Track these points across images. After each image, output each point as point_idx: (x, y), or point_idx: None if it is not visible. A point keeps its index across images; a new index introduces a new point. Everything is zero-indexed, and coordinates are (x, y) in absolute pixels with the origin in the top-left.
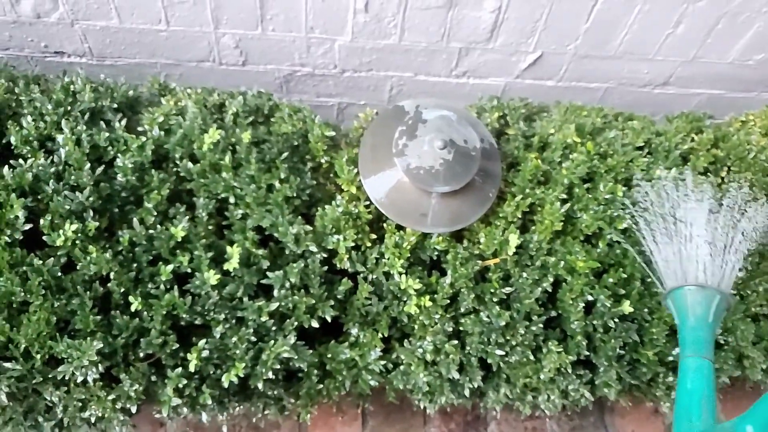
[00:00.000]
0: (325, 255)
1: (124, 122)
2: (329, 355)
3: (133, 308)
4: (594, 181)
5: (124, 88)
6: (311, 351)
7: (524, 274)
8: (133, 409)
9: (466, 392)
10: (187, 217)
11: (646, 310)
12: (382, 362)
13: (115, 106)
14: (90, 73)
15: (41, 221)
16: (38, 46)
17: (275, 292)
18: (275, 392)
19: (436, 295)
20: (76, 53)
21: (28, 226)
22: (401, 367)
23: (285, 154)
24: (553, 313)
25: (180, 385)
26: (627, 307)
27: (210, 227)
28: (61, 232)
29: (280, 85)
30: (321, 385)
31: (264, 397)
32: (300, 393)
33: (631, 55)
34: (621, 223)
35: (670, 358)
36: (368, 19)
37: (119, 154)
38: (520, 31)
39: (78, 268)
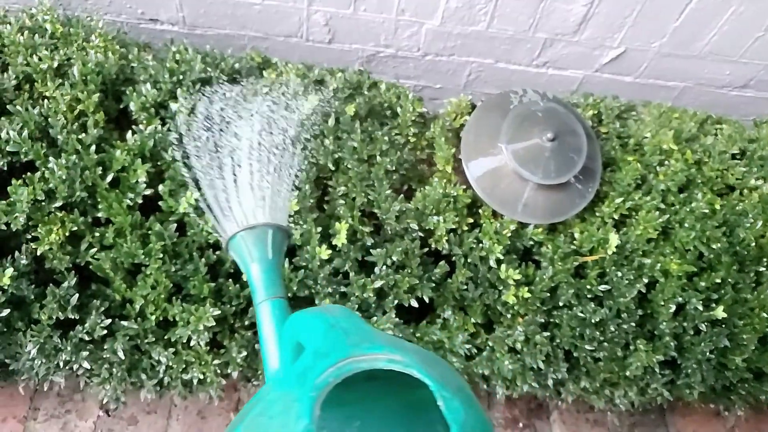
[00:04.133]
0: (422, 235)
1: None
2: (418, 335)
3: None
4: (690, 190)
5: (231, 60)
6: (412, 331)
7: (619, 273)
8: (234, 375)
9: (549, 382)
10: (298, 191)
11: (736, 316)
12: (467, 346)
13: (224, 77)
14: (181, 42)
15: (161, 187)
16: (135, 12)
17: (376, 270)
18: None
19: (533, 287)
20: (170, 21)
21: (148, 191)
22: (484, 353)
23: (386, 128)
24: (639, 312)
25: None
26: (720, 312)
27: (312, 200)
28: (183, 199)
29: (361, 65)
30: None
31: None
32: None
33: (715, 55)
34: (716, 242)
35: (759, 365)
36: (460, 5)
37: None
38: (608, 26)
39: (188, 234)
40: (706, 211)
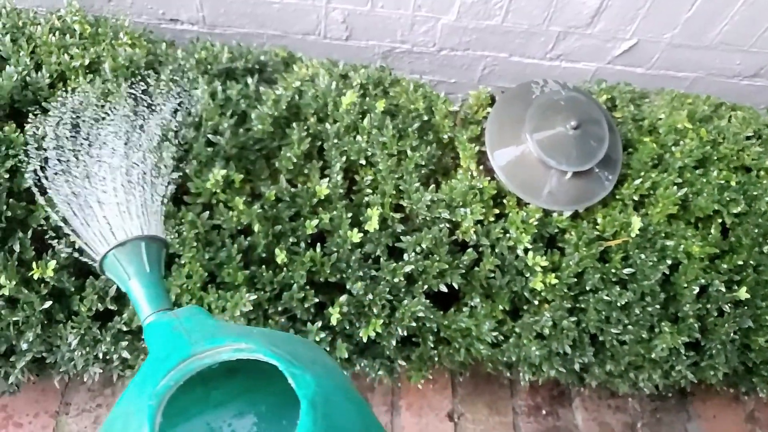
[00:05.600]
0: (449, 226)
1: (256, 77)
2: (446, 323)
3: (279, 260)
4: (706, 167)
5: (257, 53)
6: (442, 314)
7: (643, 256)
8: None
9: (576, 366)
10: (327, 179)
11: (759, 297)
12: (494, 333)
13: (249, 66)
14: (206, 39)
15: (187, 170)
16: (156, 13)
17: (406, 256)
18: (391, 353)
19: (560, 273)
20: (190, 21)
21: (174, 175)
22: (511, 340)
23: (416, 125)
24: (663, 295)
25: (318, 339)
26: (743, 293)
27: (342, 190)
28: (210, 175)
29: (376, 61)
30: (434, 351)
31: (381, 358)
32: (412, 357)
33: (726, 45)
34: (736, 207)
35: None
36: (476, 0)
37: (256, 106)
38: (620, 18)
39: (221, 221)
40: (723, 182)
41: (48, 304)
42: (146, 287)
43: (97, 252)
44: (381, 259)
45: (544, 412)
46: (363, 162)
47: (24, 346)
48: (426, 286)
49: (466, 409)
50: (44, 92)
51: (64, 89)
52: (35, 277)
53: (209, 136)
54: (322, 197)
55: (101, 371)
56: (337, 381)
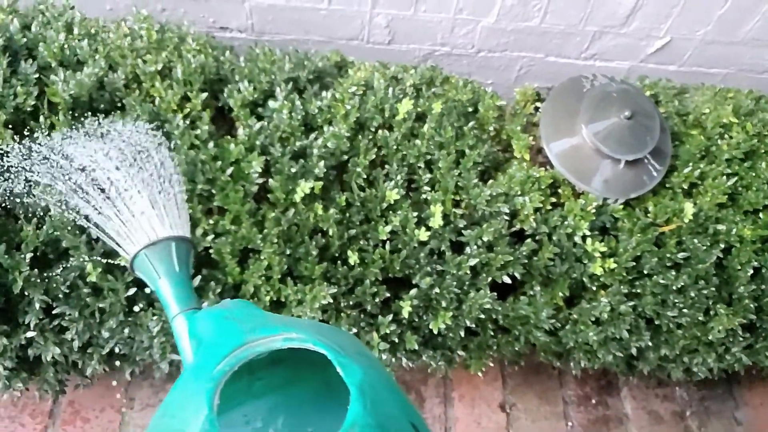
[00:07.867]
0: (507, 218)
1: (331, 91)
2: (505, 312)
3: (351, 261)
4: (753, 160)
5: (316, 59)
6: (506, 304)
7: (696, 241)
8: None
9: (633, 350)
10: (393, 182)
11: None
12: (552, 321)
13: (311, 76)
14: (264, 45)
15: (271, 181)
16: (207, 21)
17: (468, 249)
18: (453, 344)
19: (618, 258)
20: (239, 29)
21: (260, 180)
22: (568, 326)
23: (471, 123)
24: (716, 279)
25: (388, 331)
26: None
27: (403, 190)
28: (299, 189)
29: (417, 64)
30: (494, 340)
31: (442, 348)
32: (471, 346)
33: (757, 41)
34: None
35: None
36: (516, 2)
37: (331, 123)
38: (654, 17)
39: (298, 222)
40: None
41: (132, 291)
42: (175, 286)
43: (129, 251)
44: (446, 254)
45: (593, 401)
46: (422, 165)
47: (105, 335)
48: (490, 278)
49: (517, 400)
50: (121, 93)
51: (139, 92)
52: (120, 264)
53: (302, 161)
54: (392, 201)
55: (176, 357)
56: (380, 372)
